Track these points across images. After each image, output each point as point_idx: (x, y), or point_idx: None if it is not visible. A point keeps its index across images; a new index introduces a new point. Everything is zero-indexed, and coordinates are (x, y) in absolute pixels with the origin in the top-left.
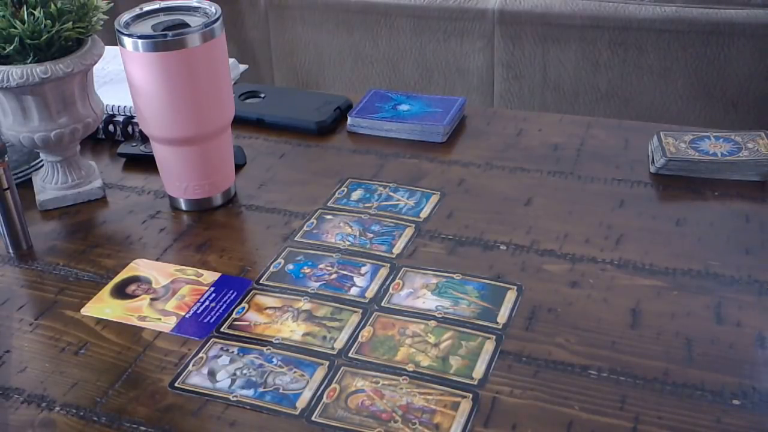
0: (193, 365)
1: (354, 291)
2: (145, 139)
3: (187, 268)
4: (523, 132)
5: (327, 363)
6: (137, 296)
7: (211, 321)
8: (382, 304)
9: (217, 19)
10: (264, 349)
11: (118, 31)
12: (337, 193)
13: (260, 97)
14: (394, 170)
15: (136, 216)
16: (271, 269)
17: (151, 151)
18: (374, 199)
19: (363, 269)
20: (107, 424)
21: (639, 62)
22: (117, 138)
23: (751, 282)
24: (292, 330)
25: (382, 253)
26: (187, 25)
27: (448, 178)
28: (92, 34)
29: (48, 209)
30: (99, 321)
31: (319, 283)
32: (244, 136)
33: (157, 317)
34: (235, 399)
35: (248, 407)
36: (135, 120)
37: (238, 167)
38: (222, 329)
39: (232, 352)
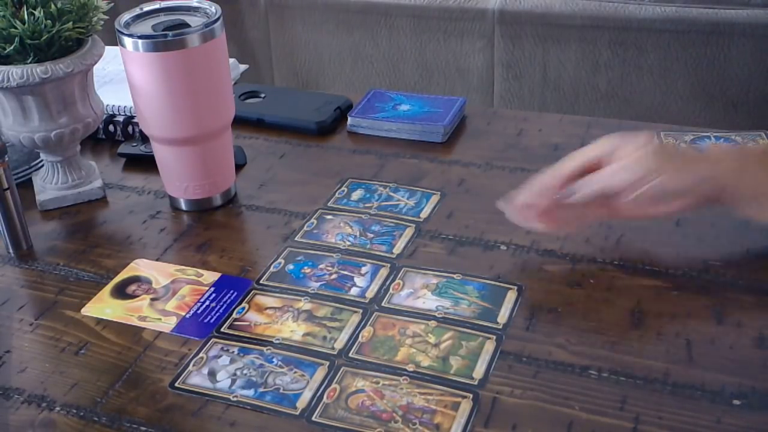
0: (193, 365)
1: (354, 291)
2: (145, 139)
3: (188, 268)
4: (523, 132)
5: (327, 363)
6: (137, 296)
7: (212, 321)
8: (383, 304)
9: (217, 19)
10: (264, 349)
11: (118, 31)
12: (337, 193)
13: (260, 97)
14: (394, 170)
15: (136, 216)
16: (272, 269)
17: (151, 151)
18: (374, 199)
19: (363, 269)
20: (107, 425)
21: (639, 62)
22: (117, 138)
23: (751, 282)
24: (292, 330)
25: (382, 253)
26: (187, 25)
27: (448, 178)
28: (92, 34)
29: (48, 209)
30: (99, 321)
31: (319, 283)
32: (244, 136)
33: (157, 317)
34: (235, 399)
35: (248, 407)
36: (135, 120)
37: (238, 167)
38: (222, 329)
39: (233, 352)
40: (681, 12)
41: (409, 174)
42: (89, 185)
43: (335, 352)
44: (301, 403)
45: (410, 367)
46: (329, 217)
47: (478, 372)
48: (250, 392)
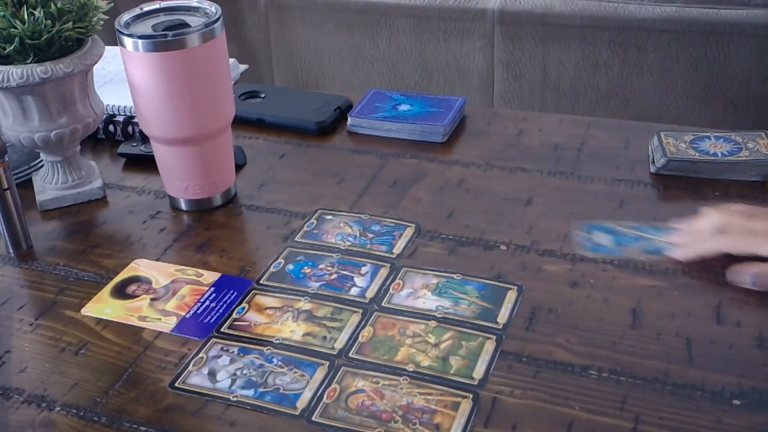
0: (193, 365)
1: (354, 291)
2: (145, 139)
3: (187, 268)
4: (523, 132)
5: (327, 363)
6: (137, 296)
7: (212, 321)
8: (383, 304)
9: (217, 19)
10: (264, 349)
11: (118, 31)
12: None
13: (260, 97)
14: (394, 170)
15: (136, 216)
16: (272, 269)
17: (151, 151)
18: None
19: (363, 269)
20: (107, 424)
21: (639, 62)
22: (117, 138)
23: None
24: (292, 330)
25: (382, 253)
26: (187, 25)
27: (448, 178)
28: (92, 34)
29: (48, 209)
30: (99, 321)
31: (319, 283)
32: (244, 136)
33: (157, 317)
34: (235, 399)
35: (248, 407)
36: (135, 120)
37: (238, 167)
38: (222, 329)
39: (233, 352)
40: (681, 12)
41: (409, 174)
42: (89, 185)
43: (335, 352)
44: (301, 403)
45: (410, 367)
46: (329, 217)
47: (478, 372)
48: (250, 392)
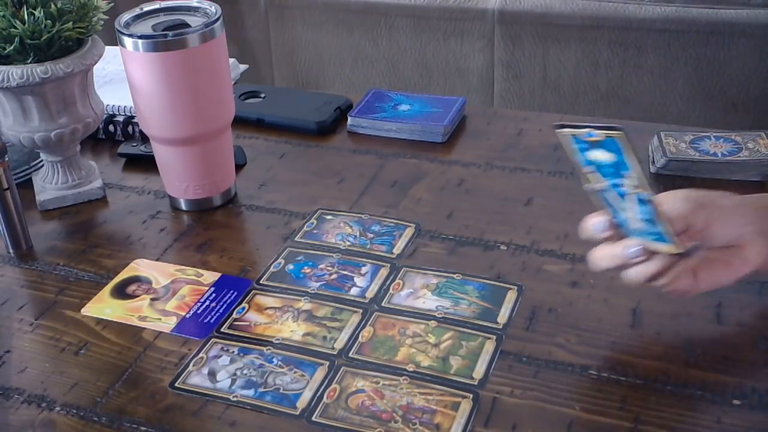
0: (193, 365)
1: (354, 291)
2: (145, 139)
3: (188, 268)
4: (523, 132)
5: (327, 363)
6: (137, 296)
7: (212, 321)
8: (383, 304)
9: (217, 19)
10: (264, 349)
11: (118, 31)
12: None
13: (260, 97)
14: (394, 170)
15: (136, 216)
16: (272, 269)
17: (151, 151)
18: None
19: (363, 269)
20: (107, 424)
21: (639, 62)
22: (117, 138)
23: (751, 282)
24: (292, 330)
25: (382, 253)
26: (187, 25)
27: (448, 178)
28: (92, 34)
29: (48, 209)
30: (99, 321)
31: (319, 283)
32: (244, 136)
33: (157, 317)
34: (235, 399)
35: (248, 407)
36: (135, 120)
37: (238, 167)
38: (222, 329)
39: (233, 352)
40: (681, 12)
41: (409, 174)
42: (89, 185)
43: (335, 352)
44: (301, 403)
45: (410, 367)
46: (329, 217)
47: (478, 372)
48: (250, 392)
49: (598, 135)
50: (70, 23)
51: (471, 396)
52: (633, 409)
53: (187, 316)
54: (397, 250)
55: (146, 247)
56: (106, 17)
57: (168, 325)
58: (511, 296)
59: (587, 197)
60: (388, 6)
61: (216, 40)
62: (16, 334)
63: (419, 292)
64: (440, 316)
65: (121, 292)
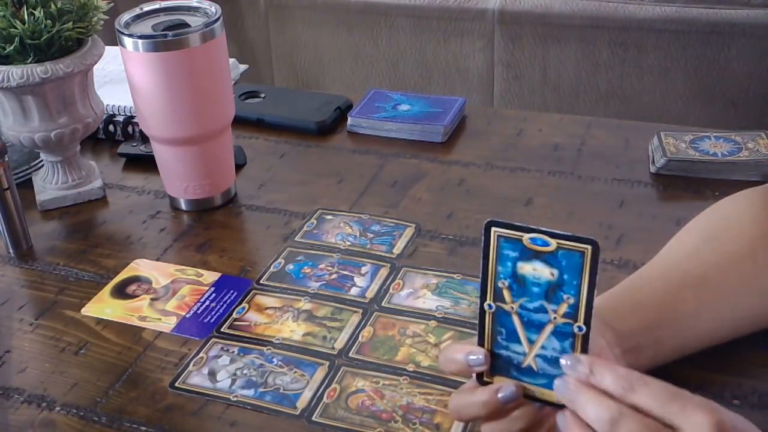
0: (193, 365)
1: (354, 291)
2: (145, 139)
3: (188, 268)
4: (523, 132)
5: (327, 363)
6: (137, 296)
7: (212, 321)
8: (383, 304)
9: (217, 19)
10: (264, 349)
11: (118, 31)
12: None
13: (260, 97)
14: (394, 170)
15: (136, 216)
16: (272, 269)
17: (151, 151)
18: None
19: (363, 269)
20: (107, 424)
21: (639, 62)
22: (117, 138)
23: None
24: (292, 330)
25: (382, 253)
26: (187, 25)
27: (448, 178)
28: (92, 34)
29: (48, 209)
30: (99, 321)
31: (319, 283)
32: (244, 136)
33: (157, 317)
34: (235, 399)
35: (248, 407)
36: (135, 120)
37: (238, 167)
38: (222, 329)
39: (233, 352)
40: (681, 12)
41: (409, 174)
42: (89, 185)
43: (335, 352)
44: (301, 403)
45: (410, 367)
46: (329, 217)
47: None
48: (250, 392)
49: (553, 245)
50: (70, 23)
51: None
52: None
53: (187, 316)
54: (397, 250)
55: (146, 247)
56: (106, 17)
57: (168, 325)
58: None
59: (587, 197)
60: (388, 6)
61: (216, 40)
62: (16, 334)
63: (419, 292)
64: (440, 316)
65: (121, 292)
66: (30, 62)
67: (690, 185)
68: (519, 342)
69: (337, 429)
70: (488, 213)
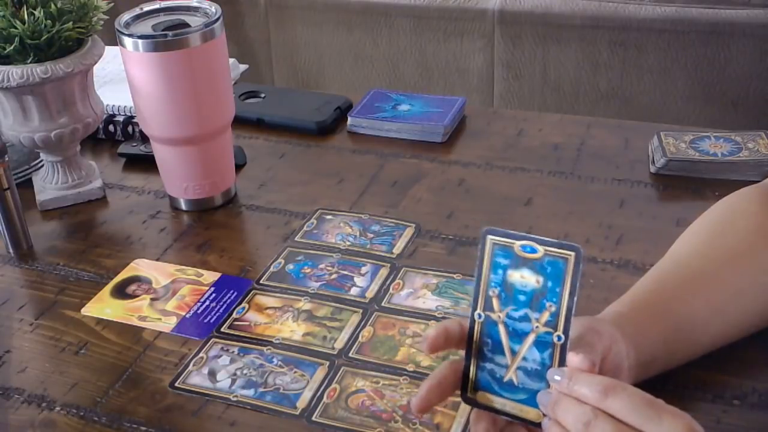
0: (193, 365)
1: (354, 291)
2: (145, 139)
3: (188, 268)
4: (523, 132)
5: (327, 363)
6: (137, 296)
7: (212, 321)
8: (383, 304)
9: (217, 19)
10: (264, 349)
11: (118, 31)
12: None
13: (260, 97)
14: (394, 170)
15: (136, 216)
16: (272, 269)
17: (151, 151)
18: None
19: (363, 269)
20: (107, 424)
21: (639, 62)
22: (117, 138)
23: None
24: (292, 330)
25: (382, 253)
26: (187, 25)
27: (448, 178)
28: (92, 34)
29: (48, 209)
30: (99, 321)
31: (319, 283)
32: (244, 136)
33: (157, 317)
34: (235, 399)
35: (248, 407)
36: (135, 120)
37: (238, 167)
38: (222, 329)
39: (233, 352)
40: (681, 12)
41: (409, 174)
42: (89, 185)
43: (335, 352)
44: (301, 403)
45: (410, 367)
46: (329, 217)
47: None
48: (250, 392)
49: (540, 252)
50: (70, 23)
51: None
52: None
53: (187, 316)
54: (397, 250)
55: (146, 247)
56: (106, 17)
57: (168, 325)
58: None
59: (587, 197)
60: (388, 6)
61: (216, 40)
62: (16, 334)
63: (419, 292)
64: (440, 316)
65: (121, 292)
66: (30, 62)
67: (690, 185)
68: (503, 353)
69: (337, 429)
70: (488, 213)
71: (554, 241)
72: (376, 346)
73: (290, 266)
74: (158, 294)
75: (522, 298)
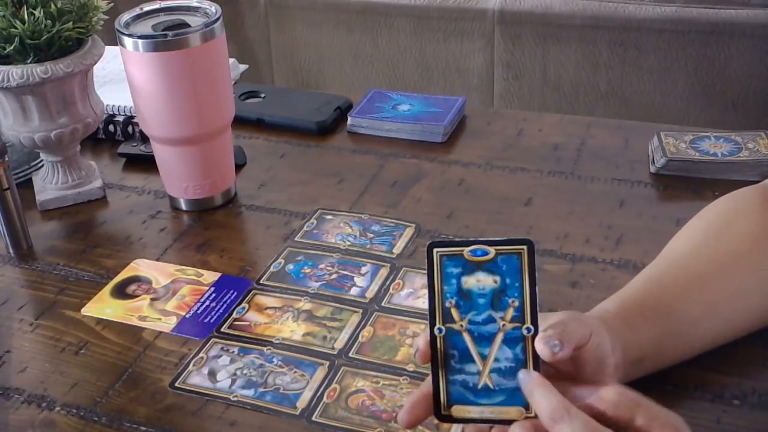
0: (193, 365)
1: (354, 291)
2: (145, 139)
3: (188, 268)
4: (523, 132)
5: (327, 363)
6: (137, 296)
7: (212, 321)
8: (383, 304)
9: (217, 19)
10: (264, 349)
11: (118, 31)
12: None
13: (260, 97)
14: (394, 170)
15: (136, 216)
16: (272, 269)
17: (151, 151)
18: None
19: (363, 269)
20: (107, 424)
21: (639, 62)
22: (117, 138)
23: None
24: (292, 330)
25: (382, 253)
26: (187, 25)
27: (448, 178)
28: (92, 34)
29: (48, 209)
30: (99, 321)
31: (319, 283)
32: (244, 136)
33: (157, 317)
34: (235, 399)
35: (248, 407)
36: (135, 120)
37: (238, 167)
38: (222, 329)
39: (233, 352)
40: (681, 12)
41: (409, 174)
42: (89, 185)
43: (335, 352)
44: (301, 403)
45: (410, 367)
46: (329, 217)
47: None
48: (250, 392)
49: (492, 253)
50: (70, 23)
51: None
52: None
53: (187, 316)
54: (397, 250)
55: (146, 247)
56: (106, 17)
57: (168, 325)
58: None
59: (587, 197)
60: (388, 6)
61: (216, 40)
62: (16, 334)
63: (419, 292)
64: None
65: (121, 292)
66: (30, 62)
67: (690, 185)
68: (472, 361)
69: (337, 429)
70: (488, 213)
71: (503, 239)
72: (376, 346)
73: (290, 266)
74: (158, 294)
75: (482, 300)
